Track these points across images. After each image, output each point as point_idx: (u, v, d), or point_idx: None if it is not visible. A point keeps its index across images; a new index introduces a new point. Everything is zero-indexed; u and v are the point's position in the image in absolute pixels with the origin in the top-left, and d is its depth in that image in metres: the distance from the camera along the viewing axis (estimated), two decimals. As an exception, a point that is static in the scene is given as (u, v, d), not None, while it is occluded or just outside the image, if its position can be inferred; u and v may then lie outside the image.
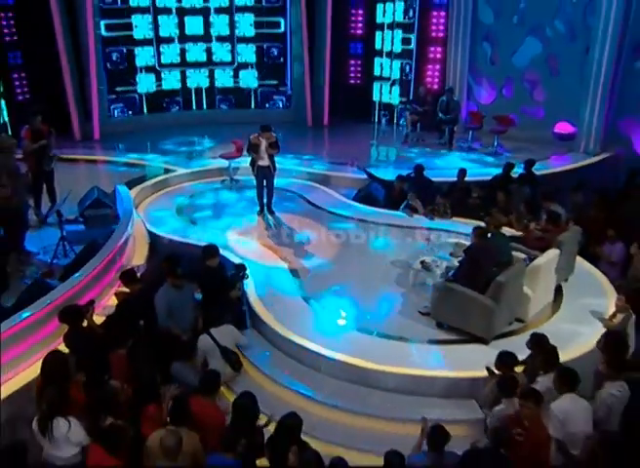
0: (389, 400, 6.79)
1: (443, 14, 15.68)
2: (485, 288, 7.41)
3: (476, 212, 10.61)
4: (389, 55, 16.50)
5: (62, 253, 8.82)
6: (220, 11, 16.03)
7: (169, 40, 15.81)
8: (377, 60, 16.81)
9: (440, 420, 5.77)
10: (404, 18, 15.96)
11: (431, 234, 10.10)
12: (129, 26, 15.33)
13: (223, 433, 5.36)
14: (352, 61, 17.28)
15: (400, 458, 5.01)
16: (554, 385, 5.75)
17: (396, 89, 16.55)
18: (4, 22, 14.22)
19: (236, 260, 9.05)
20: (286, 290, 8.78)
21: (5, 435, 5.74)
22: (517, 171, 11.84)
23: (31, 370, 6.47)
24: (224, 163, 12.73)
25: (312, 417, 6.38)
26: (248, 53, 16.54)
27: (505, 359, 6.18)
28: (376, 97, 17.03)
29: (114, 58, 15.37)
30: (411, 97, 15.90)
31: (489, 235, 8.11)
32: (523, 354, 6.46)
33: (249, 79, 16.75)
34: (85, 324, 6.67)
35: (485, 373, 6.35)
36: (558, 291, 8.69)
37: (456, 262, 8.38)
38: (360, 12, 16.81)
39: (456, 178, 11.67)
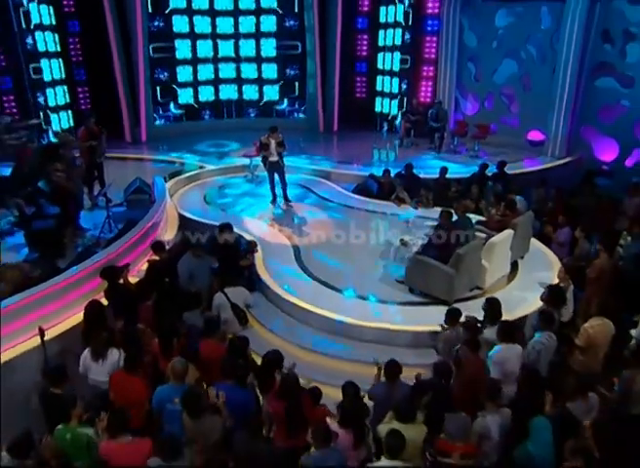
0: (366, 348, 6.95)
1: (434, 38, 15.57)
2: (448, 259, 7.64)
3: (454, 202, 10.79)
4: (389, 73, 16.45)
5: (108, 229, 8.97)
6: (247, 36, 16.06)
7: (205, 60, 15.84)
8: (379, 78, 16.70)
9: (406, 364, 5.86)
10: (402, 41, 15.87)
11: (412, 219, 10.30)
12: (172, 49, 15.40)
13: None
14: (358, 78, 17.21)
15: (354, 388, 5.25)
16: (497, 335, 5.99)
17: (395, 101, 16.44)
18: (72, 46, 14.58)
19: (248, 237, 9.29)
20: (287, 261, 8.99)
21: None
22: (491, 170, 11.82)
23: (77, 317, 6.73)
24: (247, 161, 12.85)
25: (300, 361, 6.43)
26: (270, 71, 16.50)
27: (452, 313, 6.38)
28: (377, 109, 16.94)
29: (160, 75, 15.42)
30: (405, 109, 15.86)
31: (455, 217, 8.39)
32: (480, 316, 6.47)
33: (271, 93, 16.72)
34: (121, 281, 6.85)
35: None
36: (515, 266, 8.83)
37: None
38: (365, 36, 16.73)
39: (438, 175, 11.79)
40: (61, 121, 14.01)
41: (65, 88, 14.33)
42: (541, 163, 13.67)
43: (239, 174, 13.05)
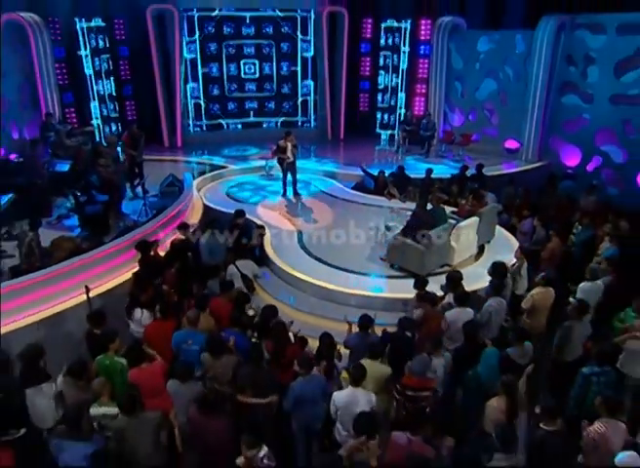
0: (350, 311, 7.07)
1: (426, 61, 15.71)
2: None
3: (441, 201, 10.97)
4: (388, 90, 16.58)
5: (145, 215, 9.48)
6: (268, 58, 15.99)
7: (232, 79, 15.90)
8: (379, 94, 16.75)
9: (382, 324, 6.31)
10: (398, 63, 16.04)
11: (396, 208, 10.61)
12: (204, 69, 15.48)
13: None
14: (361, 94, 17.12)
15: (329, 337, 5.60)
16: (453, 300, 6.35)
17: (393, 114, 16.51)
18: (122, 67, 14.86)
19: (259, 222, 9.65)
20: (290, 241, 9.32)
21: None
22: (471, 171, 12.05)
23: (116, 280, 7.29)
24: (263, 162, 13.17)
25: (296, 320, 6.76)
26: (287, 88, 16.49)
27: (418, 282, 6.68)
28: (378, 120, 16.95)
29: (193, 92, 15.59)
30: (401, 120, 15.98)
31: (429, 207, 8.73)
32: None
33: (287, 107, 16.65)
34: (152, 253, 7.29)
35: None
36: (482, 248, 9.06)
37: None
38: (367, 59, 16.76)
39: (424, 175, 12.05)
40: (112, 128, 14.48)
41: (116, 102, 14.76)
42: (516, 166, 13.77)
43: (256, 173, 13.35)
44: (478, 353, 5.34)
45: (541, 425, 4.42)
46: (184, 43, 14.96)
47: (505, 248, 9.07)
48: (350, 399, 4.72)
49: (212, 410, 4.41)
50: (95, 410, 4.54)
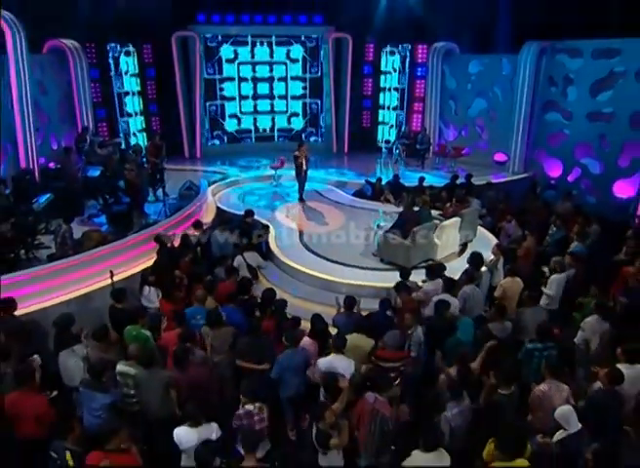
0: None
1: (423, 81, 16.10)
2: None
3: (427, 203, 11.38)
4: (388, 108, 16.96)
5: (164, 214, 9.89)
6: (280, 79, 16.58)
7: (246, 97, 16.45)
8: (380, 111, 17.15)
9: (371, 308, 6.63)
10: (398, 83, 16.44)
11: (390, 212, 10.90)
12: (222, 89, 16.15)
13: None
14: (364, 112, 17.39)
15: (319, 318, 5.95)
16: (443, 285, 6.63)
17: (393, 130, 16.90)
18: (149, 87, 15.45)
19: (264, 222, 10.04)
20: (292, 239, 9.66)
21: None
22: (461, 181, 12.31)
23: (137, 267, 7.73)
24: (272, 172, 13.59)
25: (294, 305, 7.18)
26: (297, 106, 16.97)
27: (402, 272, 7.08)
28: (379, 136, 17.36)
29: (212, 109, 16.27)
30: (399, 135, 16.24)
31: (416, 208, 9.10)
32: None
33: (297, 123, 17.16)
34: (169, 245, 7.82)
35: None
36: (465, 246, 9.31)
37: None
38: (370, 80, 17.09)
39: (417, 183, 12.48)
40: (139, 140, 15.04)
41: (142, 117, 15.37)
42: (504, 177, 14.01)
43: (267, 181, 13.76)
44: (452, 326, 5.66)
45: (499, 390, 4.77)
46: (204, 65, 15.58)
47: (487, 246, 9.16)
48: (332, 364, 5.11)
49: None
50: (121, 368, 5.02)
